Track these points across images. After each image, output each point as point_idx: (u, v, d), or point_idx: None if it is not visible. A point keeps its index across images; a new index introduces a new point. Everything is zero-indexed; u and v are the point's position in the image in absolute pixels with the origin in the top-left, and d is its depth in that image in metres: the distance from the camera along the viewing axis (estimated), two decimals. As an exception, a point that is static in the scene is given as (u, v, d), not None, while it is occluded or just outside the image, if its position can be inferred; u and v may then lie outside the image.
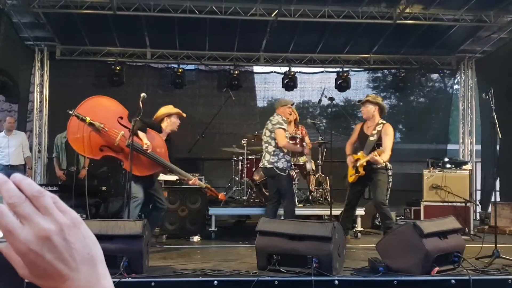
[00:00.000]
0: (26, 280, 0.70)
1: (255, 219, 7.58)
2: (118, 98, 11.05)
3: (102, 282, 0.68)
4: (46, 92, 11.45)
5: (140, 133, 6.18)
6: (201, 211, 8.09)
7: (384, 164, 6.71)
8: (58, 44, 11.28)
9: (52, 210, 0.66)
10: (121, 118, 6.28)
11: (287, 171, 7.12)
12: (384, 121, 6.91)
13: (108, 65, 11.38)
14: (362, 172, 6.81)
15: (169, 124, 6.66)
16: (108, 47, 11.41)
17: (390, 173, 6.85)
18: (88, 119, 6.11)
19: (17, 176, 0.67)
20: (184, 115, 6.80)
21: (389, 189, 6.89)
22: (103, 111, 6.29)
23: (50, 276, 0.65)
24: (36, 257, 0.64)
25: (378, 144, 6.77)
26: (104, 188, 9.90)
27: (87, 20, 10.02)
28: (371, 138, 6.84)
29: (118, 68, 11.13)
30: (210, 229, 8.16)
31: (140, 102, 6.05)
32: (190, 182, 6.67)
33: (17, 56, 10.43)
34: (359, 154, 6.90)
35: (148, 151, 6.17)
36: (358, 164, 6.82)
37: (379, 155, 6.54)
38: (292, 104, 7.70)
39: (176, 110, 6.73)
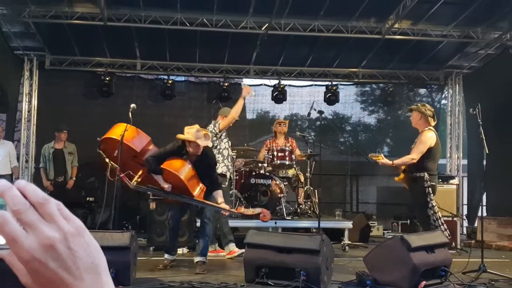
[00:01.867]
0: None
1: (243, 231, 7.57)
2: (108, 109, 11.22)
3: None
4: (34, 101, 11.39)
5: (155, 176, 5.93)
6: (189, 223, 8.05)
7: (419, 174, 6.42)
8: (48, 54, 11.24)
9: (57, 218, 0.65)
10: (135, 156, 6.02)
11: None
12: (427, 128, 6.56)
13: (97, 75, 11.35)
14: (401, 175, 6.68)
15: (190, 150, 5.98)
16: (98, 57, 11.39)
17: (426, 185, 6.31)
18: (107, 159, 5.96)
19: (21, 182, 0.66)
20: (201, 145, 5.89)
21: (430, 202, 6.33)
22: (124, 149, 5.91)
23: (54, 284, 0.65)
24: (39, 266, 0.63)
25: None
26: (91, 199, 9.85)
27: (78, 31, 10.01)
28: (412, 146, 6.63)
29: (107, 78, 11.11)
30: (197, 241, 8.12)
31: (130, 113, 6.05)
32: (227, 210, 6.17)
33: (6, 66, 10.39)
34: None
35: (170, 192, 5.97)
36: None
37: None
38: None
39: (193, 138, 5.91)
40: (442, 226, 6.33)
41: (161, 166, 5.87)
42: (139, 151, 6.03)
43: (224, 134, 7.50)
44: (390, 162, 6.54)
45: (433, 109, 6.84)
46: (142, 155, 6.01)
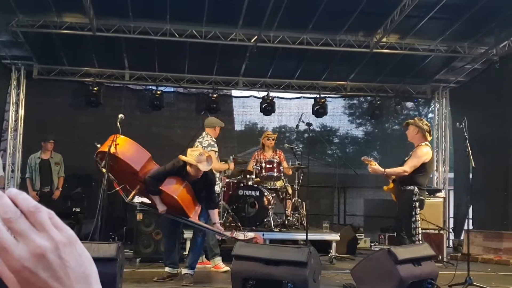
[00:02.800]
0: None
1: (230, 243, 7.54)
2: (95, 119, 11.18)
3: None
4: (21, 111, 11.30)
5: (152, 197, 5.96)
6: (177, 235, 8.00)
7: (408, 188, 6.39)
8: (36, 64, 11.19)
9: (48, 227, 0.64)
10: (134, 173, 5.97)
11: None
12: (423, 144, 6.53)
13: (85, 85, 11.31)
14: (390, 185, 6.64)
15: (191, 172, 5.93)
16: (87, 67, 11.36)
17: (414, 198, 6.32)
18: (103, 170, 5.86)
19: (12, 190, 0.65)
20: (201, 169, 5.84)
21: (414, 216, 6.36)
22: (121, 164, 5.93)
23: None
24: (30, 275, 0.62)
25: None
26: (77, 210, 9.76)
27: (66, 40, 9.98)
28: (406, 158, 6.59)
29: (96, 88, 11.07)
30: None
31: (118, 123, 6.02)
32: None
33: (-7, 75, 10.33)
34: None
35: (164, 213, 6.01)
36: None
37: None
38: (220, 127, 7.61)
39: (194, 162, 5.82)
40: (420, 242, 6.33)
41: (160, 187, 5.85)
42: (138, 170, 5.96)
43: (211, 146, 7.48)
44: (382, 170, 6.46)
45: (429, 124, 6.86)
46: (141, 173, 5.95)
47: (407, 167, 6.36)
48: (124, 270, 5.69)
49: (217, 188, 7.48)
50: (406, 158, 6.56)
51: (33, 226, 0.64)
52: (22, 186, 10.34)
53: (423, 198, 6.46)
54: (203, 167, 5.78)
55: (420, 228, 6.47)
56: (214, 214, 6.12)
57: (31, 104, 11.39)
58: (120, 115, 6.15)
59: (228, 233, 6.13)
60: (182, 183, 5.91)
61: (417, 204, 6.35)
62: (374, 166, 6.46)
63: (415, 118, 6.98)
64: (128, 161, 5.92)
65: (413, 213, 6.33)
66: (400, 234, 6.59)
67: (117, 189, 5.93)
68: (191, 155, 5.83)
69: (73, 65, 11.29)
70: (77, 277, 0.65)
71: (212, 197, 6.23)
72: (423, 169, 6.42)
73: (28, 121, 11.30)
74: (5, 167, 10.44)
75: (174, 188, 5.86)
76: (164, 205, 5.92)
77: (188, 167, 5.86)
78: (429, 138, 6.63)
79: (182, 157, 5.92)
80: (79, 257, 0.66)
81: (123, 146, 5.91)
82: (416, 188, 6.34)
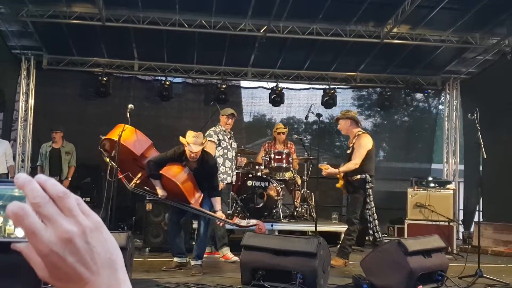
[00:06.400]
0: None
1: (239, 233, 7.55)
2: (104, 109, 11.19)
3: (122, 286, 0.68)
4: (31, 101, 11.34)
5: (153, 181, 6.00)
6: (185, 225, 8.02)
7: (359, 176, 6.64)
8: (45, 54, 11.21)
9: (76, 212, 0.65)
10: (135, 159, 6.09)
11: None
12: (361, 132, 6.86)
13: (95, 76, 11.32)
14: (340, 182, 6.86)
15: (188, 153, 5.99)
16: (96, 58, 11.36)
17: (367, 186, 6.65)
18: (107, 159, 6.01)
19: (41, 176, 0.66)
20: (194, 151, 5.91)
21: (368, 203, 6.71)
22: (123, 151, 5.97)
23: (71, 279, 0.65)
24: (57, 259, 0.63)
25: (351, 155, 6.76)
26: (87, 199, 9.80)
27: (75, 31, 9.98)
28: (348, 151, 6.89)
29: (105, 79, 11.08)
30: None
31: (128, 113, 6.03)
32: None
33: (3, 65, 10.36)
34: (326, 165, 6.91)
35: (164, 198, 6.05)
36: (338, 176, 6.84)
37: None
38: (231, 115, 7.57)
39: (185, 142, 5.98)
40: (376, 228, 6.77)
41: (160, 171, 5.90)
42: (139, 155, 6.05)
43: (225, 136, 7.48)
44: (336, 171, 6.68)
45: (356, 112, 7.31)
46: (142, 159, 6.05)
47: (357, 160, 6.60)
48: (134, 259, 5.72)
49: (229, 179, 7.49)
50: (349, 151, 6.83)
51: (61, 211, 0.65)
52: (32, 175, 10.37)
53: (373, 185, 6.76)
54: (194, 147, 5.87)
55: (375, 214, 6.80)
56: (216, 202, 6.16)
57: (41, 94, 11.42)
58: (130, 105, 6.16)
59: (230, 220, 6.16)
60: (183, 168, 5.99)
61: (370, 191, 6.67)
62: (328, 170, 6.70)
63: (341, 112, 7.30)
64: (129, 147, 6.01)
65: (368, 200, 6.66)
66: (353, 224, 6.77)
67: (120, 177, 5.97)
68: (189, 136, 5.97)
69: (82, 55, 11.29)
70: (103, 262, 0.66)
71: (214, 185, 6.25)
72: (368, 155, 6.71)
73: (38, 111, 11.34)
74: (15, 156, 10.49)
75: (175, 172, 5.93)
76: (165, 190, 5.97)
77: (186, 150, 5.95)
78: (361, 125, 6.96)
79: (181, 138, 6.07)
80: (105, 242, 0.67)
81: (125, 134, 6.00)
82: (367, 175, 6.61)
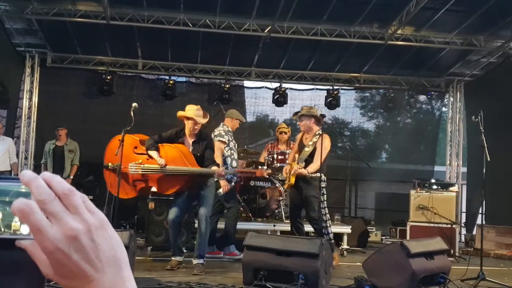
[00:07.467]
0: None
1: (241, 233, 7.55)
2: (108, 108, 11.20)
3: (126, 284, 0.68)
4: (35, 99, 11.37)
5: (150, 152, 6.16)
6: (187, 224, 8.02)
7: (314, 175, 6.61)
8: (50, 52, 11.23)
9: (81, 210, 0.65)
10: (136, 147, 6.32)
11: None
12: (321, 132, 6.79)
13: (99, 74, 11.33)
14: (292, 181, 6.74)
15: (188, 127, 6.27)
16: (100, 56, 11.38)
17: (323, 185, 6.68)
18: (109, 164, 6.27)
19: (47, 174, 0.66)
20: (201, 122, 6.26)
21: (323, 202, 6.75)
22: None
23: (75, 276, 0.65)
24: (62, 257, 0.64)
25: (312, 154, 6.72)
26: (90, 198, 9.80)
27: (80, 29, 10.00)
28: (306, 149, 6.81)
29: (109, 77, 11.10)
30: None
31: (132, 112, 6.04)
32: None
33: (7, 62, 10.38)
34: (293, 163, 6.85)
35: (165, 167, 6.12)
36: (290, 174, 6.74)
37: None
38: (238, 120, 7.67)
39: (195, 113, 6.24)
40: (329, 228, 6.84)
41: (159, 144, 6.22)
42: (139, 140, 6.34)
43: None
44: (306, 171, 6.61)
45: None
46: (142, 144, 6.30)
47: (320, 161, 6.55)
48: (136, 258, 5.73)
49: (237, 179, 7.54)
50: (307, 149, 6.77)
51: (67, 208, 0.65)
52: (36, 173, 10.42)
53: (325, 185, 6.81)
54: (200, 119, 6.19)
55: (328, 214, 6.93)
56: (213, 168, 6.22)
57: (45, 92, 11.44)
58: (134, 104, 6.17)
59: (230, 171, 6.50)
60: (180, 142, 6.26)
61: (325, 190, 6.74)
62: (301, 170, 6.61)
63: (304, 107, 7.24)
64: (132, 136, 6.33)
65: (322, 199, 6.70)
66: (297, 220, 6.88)
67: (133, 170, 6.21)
68: (190, 110, 6.26)
69: (86, 53, 11.32)
70: (108, 260, 0.66)
71: (212, 157, 6.37)
72: (327, 157, 6.83)
73: (42, 108, 11.36)
74: (18, 154, 10.52)
75: (172, 142, 6.25)
76: (162, 158, 6.11)
77: (186, 123, 6.22)
78: (321, 124, 6.92)
79: (180, 112, 6.34)
80: (110, 240, 0.67)
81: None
82: (322, 175, 6.63)
